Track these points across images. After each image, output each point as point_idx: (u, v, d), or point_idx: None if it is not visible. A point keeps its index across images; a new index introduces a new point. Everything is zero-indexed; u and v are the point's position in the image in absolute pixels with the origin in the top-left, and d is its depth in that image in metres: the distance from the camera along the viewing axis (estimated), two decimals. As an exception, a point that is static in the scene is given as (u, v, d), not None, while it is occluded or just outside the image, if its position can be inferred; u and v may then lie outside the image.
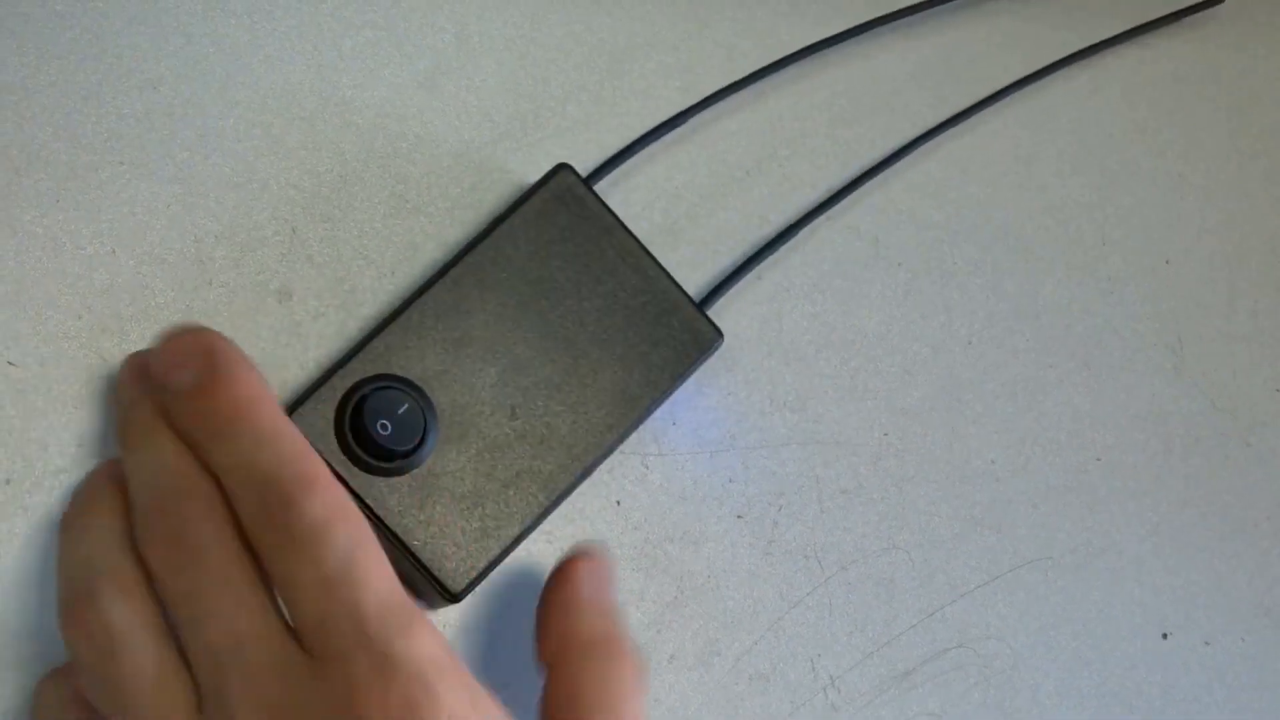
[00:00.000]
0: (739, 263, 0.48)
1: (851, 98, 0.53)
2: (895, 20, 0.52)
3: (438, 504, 0.41)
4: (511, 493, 0.42)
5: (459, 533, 0.41)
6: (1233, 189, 0.58)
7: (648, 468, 0.46)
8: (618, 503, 0.46)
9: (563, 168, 0.44)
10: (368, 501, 0.40)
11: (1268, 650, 0.54)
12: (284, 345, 0.43)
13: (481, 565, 0.41)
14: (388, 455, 0.41)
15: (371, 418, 0.40)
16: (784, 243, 0.49)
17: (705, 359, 0.45)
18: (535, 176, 0.45)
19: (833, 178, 0.51)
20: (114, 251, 0.42)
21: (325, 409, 0.41)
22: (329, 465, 0.39)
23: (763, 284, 0.49)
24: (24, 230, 0.41)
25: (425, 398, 0.41)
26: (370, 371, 0.41)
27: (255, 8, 0.45)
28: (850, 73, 0.53)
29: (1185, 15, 0.57)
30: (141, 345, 0.41)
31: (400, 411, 0.41)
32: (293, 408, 0.41)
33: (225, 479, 0.36)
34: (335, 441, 0.40)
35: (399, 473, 0.41)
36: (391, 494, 0.41)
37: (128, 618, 0.35)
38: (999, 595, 0.50)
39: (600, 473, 0.45)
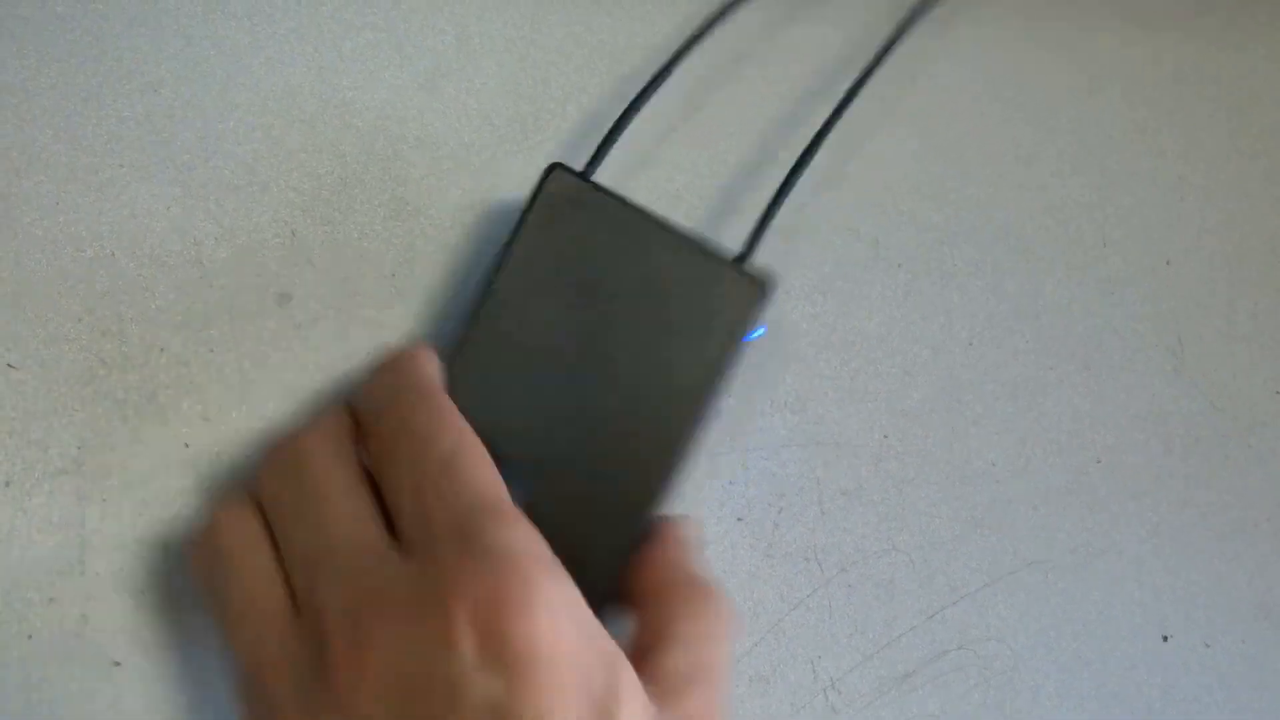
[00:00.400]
0: (766, 205, 0.46)
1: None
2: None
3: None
4: (617, 493, 0.41)
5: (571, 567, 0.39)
6: (1233, 189, 0.58)
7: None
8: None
9: (554, 168, 0.42)
10: None
11: (1268, 652, 0.54)
12: (283, 348, 0.43)
13: (604, 587, 0.40)
14: None
15: None
16: (805, 167, 0.46)
17: (764, 307, 0.42)
18: (535, 177, 0.45)
19: (822, 111, 0.49)
20: (114, 254, 0.42)
21: None
22: None
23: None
24: (24, 232, 0.41)
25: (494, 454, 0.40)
26: None
27: (255, 10, 0.45)
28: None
29: None
30: (141, 348, 0.42)
31: None
32: None
33: (361, 417, 0.39)
34: None
35: None
36: None
37: (241, 532, 0.37)
38: (999, 597, 0.50)
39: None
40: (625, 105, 0.46)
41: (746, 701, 0.46)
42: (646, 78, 0.48)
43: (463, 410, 0.39)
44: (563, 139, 0.48)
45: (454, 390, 0.40)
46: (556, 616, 0.33)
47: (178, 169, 0.43)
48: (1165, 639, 0.52)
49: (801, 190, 0.50)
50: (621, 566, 0.40)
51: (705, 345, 0.42)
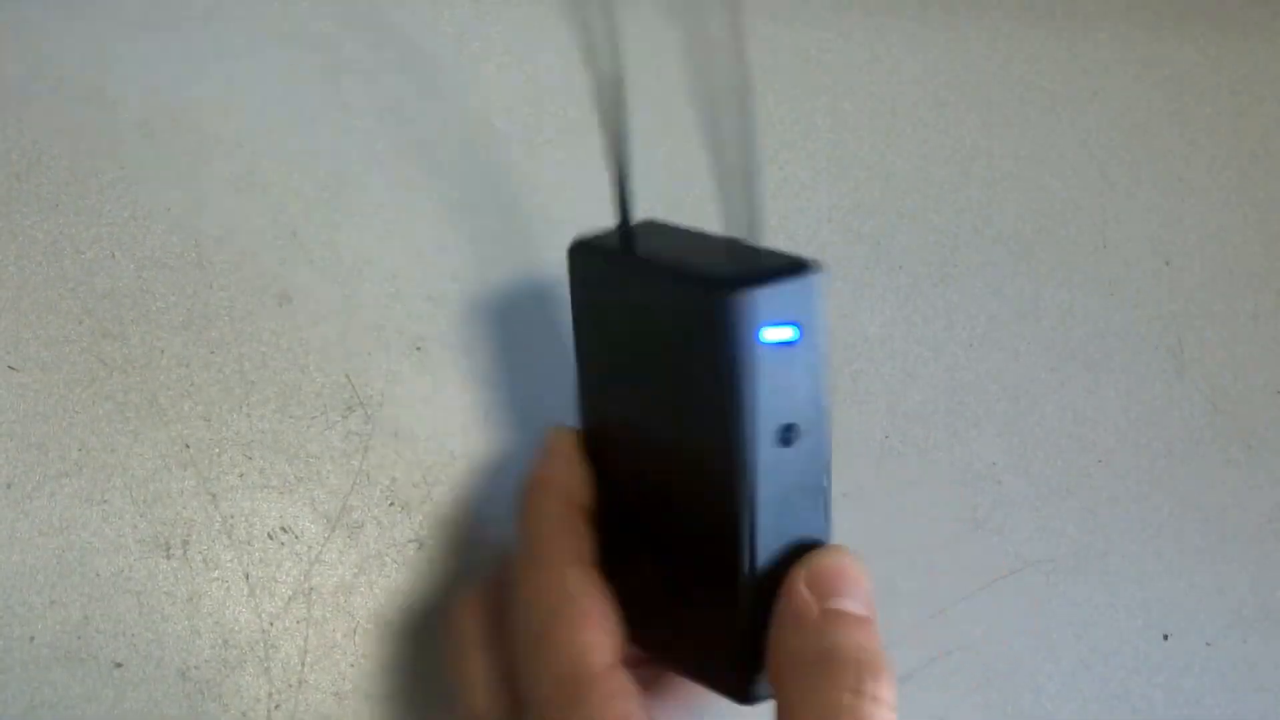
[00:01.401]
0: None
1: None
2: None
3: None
4: (713, 592, 0.37)
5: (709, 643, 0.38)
6: (1233, 190, 0.58)
7: None
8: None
9: (573, 247, 0.39)
10: None
11: (1269, 651, 0.54)
12: (284, 349, 0.43)
13: (747, 654, 0.37)
14: None
15: None
16: None
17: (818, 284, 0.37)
18: (538, 174, 0.45)
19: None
20: (114, 255, 0.42)
21: None
22: None
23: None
24: (25, 235, 0.41)
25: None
26: None
27: (256, 15, 0.45)
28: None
29: None
30: (142, 349, 0.42)
31: None
32: None
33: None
34: None
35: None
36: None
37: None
38: (1001, 597, 0.50)
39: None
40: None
41: (748, 702, 0.46)
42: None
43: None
44: (564, 142, 0.48)
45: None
46: None
47: (177, 171, 0.43)
48: (1166, 638, 0.52)
49: (802, 191, 0.51)
50: (759, 634, 0.37)
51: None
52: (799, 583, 0.36)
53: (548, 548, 0.38)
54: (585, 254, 0.39)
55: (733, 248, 0.37)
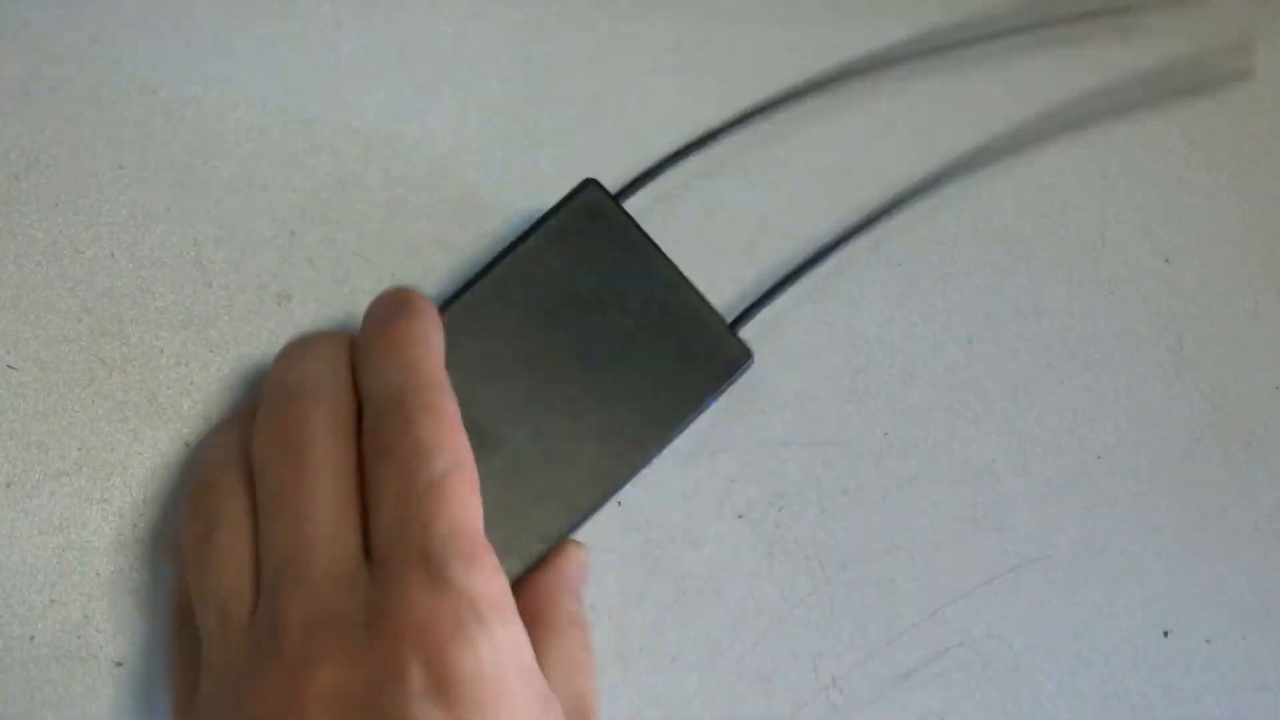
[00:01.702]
0: (771, 285, 0.48)
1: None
2: (940, 52, 0.53)
3: None
4: (536, 512, 0.41)
5: None
6: (1233, 188, 0.58)
7: (649, 468, 0.46)
8: (618, 503, 0.46)
9: (589, 183, 0.43)
10: None
11: (1269, 649, 0.54)
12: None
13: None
14: None
15: None
16: (815, 266, 0.48)
17: (736, 378, 0.44)
18: (534, 178, 0.45)
19: (863, 203, 0.51)
20: (113, 254, 0.42)
21: None
22: None
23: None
24: (24, 234, 0.41)
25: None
26: None
27: (254, 13, 0.45)
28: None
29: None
30: (141, 348, 0.42)
31: None
32: None
33: (363, 395, 0.37)
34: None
35: None
36: None
37: (231, 504, 0.36)
38: (1000, 595, 0.50)
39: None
40: (676, 147, 0.47)
41: (748, 700, 0.46)
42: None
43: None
44: (563, 142, 0.48)
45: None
46: (503, 660, 0.33)
47: (176, 170, 0.43)
48: (1166, 635, 0.52)
49: (800, 188, 0.51)
50: (520, 578, 0.41)
51: (670, 393, 0.43)
52: (562, 560, 0.41)
53: (445, 393, 0.37)
54: (598, 198, 0.43)
55: (697, 290, 0.44)
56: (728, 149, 0.50)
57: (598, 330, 0.43)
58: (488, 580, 0.34)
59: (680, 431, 0.43)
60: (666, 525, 0.46)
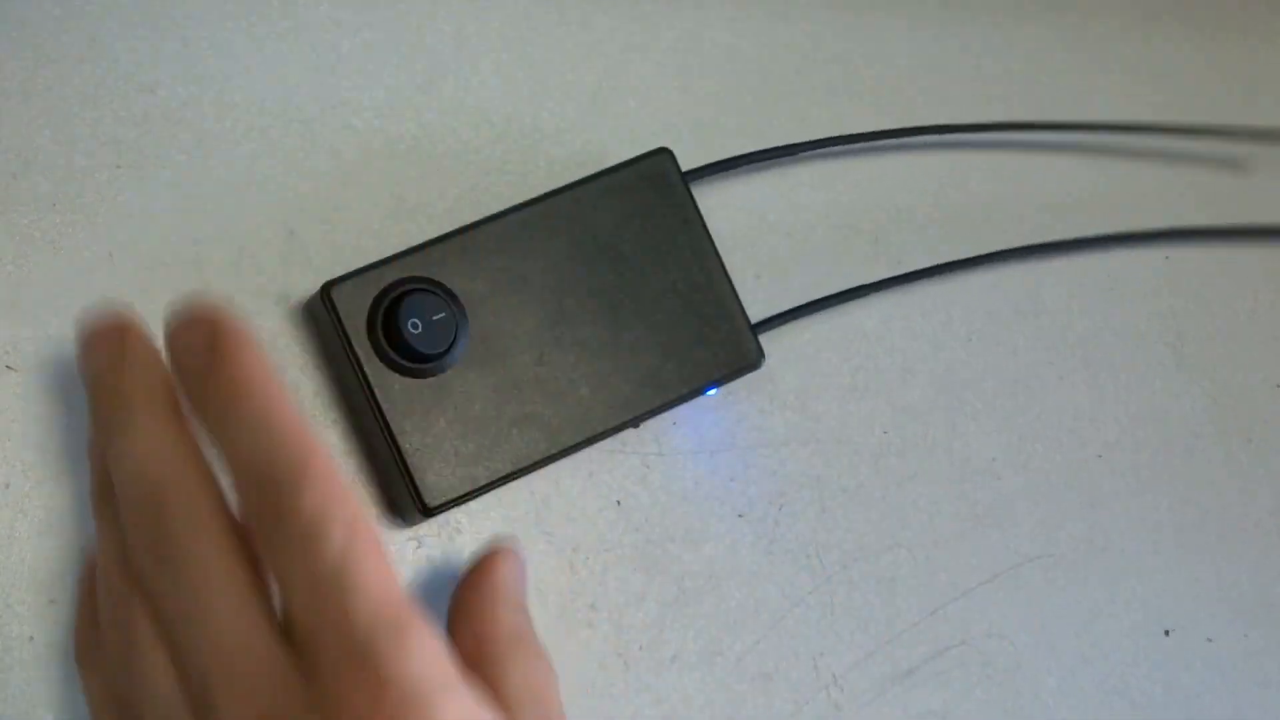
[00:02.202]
0: (803, 302, 0.49)
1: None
2: (1047, 130, 0.54)
3: (442, 417, 0.42)
4: (515, 432, 0.42)
5: (452, 451, 0.42)
6: (1233, 185, 0.58)
7: (648, 468, 0.47)
8: (618, 503, 0.46)
9: (663, 151, 0.45)
10: (375, 391, 0.41)
11: (1269, 646, 0.54)
12: (283, 347, 0.43)
13: (463, 489, 0.42)
14: (411, 355, 0.41)
15: (406, 314, 0.41)
16: (851, 299, 0.49)
17: (742, 374, 0.45)
18: (533, 175, 0.46)
19: (914, 259, 0.51)
20: (111, 255, 0.42)
21: (366, 290, 0.41)
22: (350, 346, 0.41)
23: (760, 282, 0.49)
24: (21, 234, 0.41)
25: (463, 314, 0.42)
26: (419, 272, 0.42)
27: (252, 10, 0.45)
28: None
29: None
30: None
31: (435, 318, 0.41)
32: (339, 280, 0.41)
33: (227, 464, 0.34)
34: (364, 325, 0.41)
35: (416, 375, 0.41)
36: (401, 392, 0.41)
37: (129, 641, 0.34)
38: (1001, 593, 0.50)
39: (601, 473, 0.46)
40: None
41: (749, 699, 0.47)
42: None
43: (445, 278, 0.42)
44: (562, 139, 0.48)
45: (445, 254, 0.42)
46: None
47: (175, 170, 0.43)
48: (1167, 634, 0.53)
49: (798, 188, 0.51)
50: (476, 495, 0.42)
51: (676, 365, 0.44)
52: (496, 576, 0.40)
53: (313, 452, 0.34)
54: (667, 166, 0.45)
55: (731, 282, 0.45)
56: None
57: (627, 287, 0.44)
58: (423, 653, 0.32)
59: (672, 405, 0.44)
60: (666, 524, 0.47)
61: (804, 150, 0.49)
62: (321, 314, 0.42)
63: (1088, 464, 0.53)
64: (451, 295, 0.42)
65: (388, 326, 0.41)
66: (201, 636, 0.33)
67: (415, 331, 0.41)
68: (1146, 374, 0.55)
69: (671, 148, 0.45)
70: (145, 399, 0.35)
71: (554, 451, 0.43)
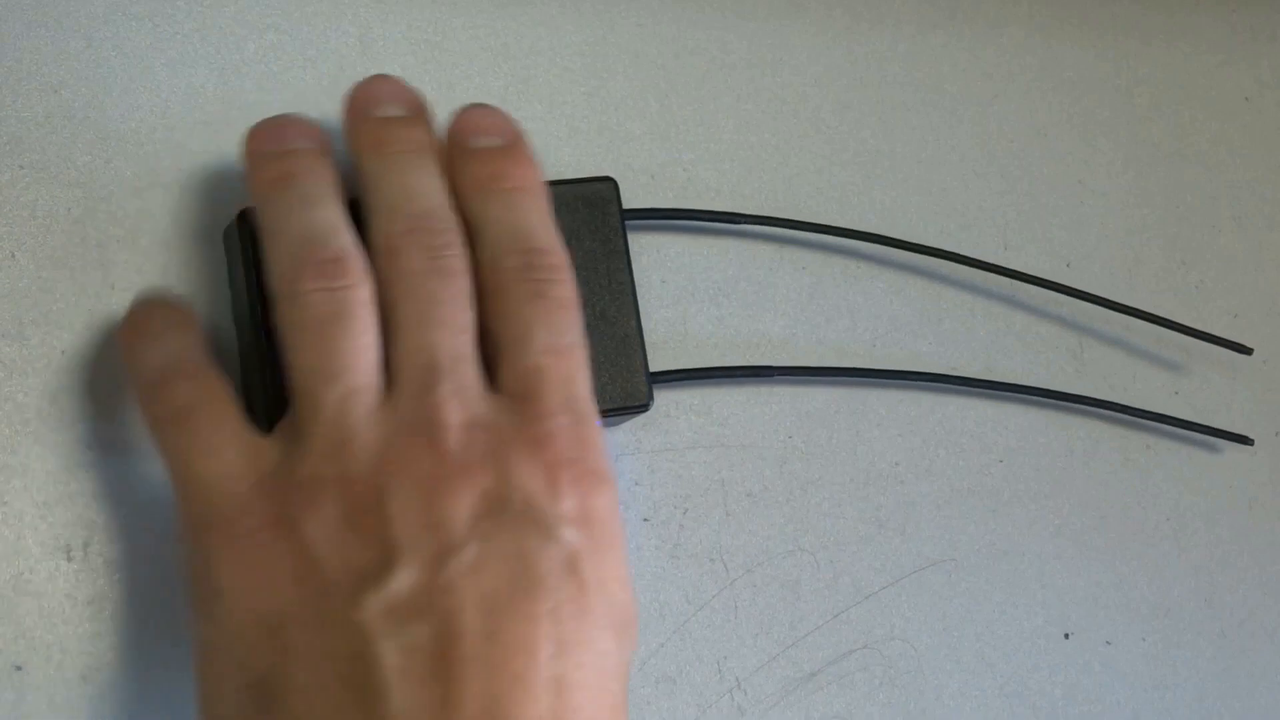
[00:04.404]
0: (707, 367, 0.50)
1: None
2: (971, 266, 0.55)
3: None
4: None
5: None
6: (1131, 194, 0.60)
7: None
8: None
9: (609, 180, 0.46)
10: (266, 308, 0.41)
11: (1168, 650, 0.56)
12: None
13: None
14: None
15: None
16: (751, 379, 0.51)
17: (629, 415, 0.47)
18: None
19: (831, 357, 0.53)
20: (14, 255, 0.43)
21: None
22: (257, 268, 0.42)
23: (666, 286, 0.51)
24: (-77, 234, 0.42)
25: None
26: None
27: (157, 11, 0.45)
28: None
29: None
30: (43, 350, 0.42)
31: None
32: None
33: (488, 227, 0.41)
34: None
35: None
36: None
37: (367, 290, 0.39)
38: (903, 597, 0.52)
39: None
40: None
41: (652, 702, 0.48)
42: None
43: None
44: None
45: None
46: (618, 513, 0.39)
47: (79, 170, 0.44)
48: (1067, 637, 0.54)
49: (705, 192, 0.52)
50: None
51: None
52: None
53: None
54: (606, 195, 0.47)
55: (639, 326, 0.47)
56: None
57: None
58: (605, 446, 0.39)
59: None
60: None
61: (749, 222, 0.51)
62: (234, 239, 0.43)
63: (989, 469, 0.54)
64: None
65: None
66: (443, 336, 0.39)
67: None
68: (1047, 379, 0.56)
69: (575, 153, 0.46)
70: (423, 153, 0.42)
71: None
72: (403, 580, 0.35)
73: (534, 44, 0.51)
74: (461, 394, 0.38)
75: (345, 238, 0.39)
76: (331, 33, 0.48)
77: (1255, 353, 0.59)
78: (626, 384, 0.46)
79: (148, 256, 0.44)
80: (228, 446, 0.38)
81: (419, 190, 0.41)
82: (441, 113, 0.44)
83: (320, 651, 0.35)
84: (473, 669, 0.35)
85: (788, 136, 0.54)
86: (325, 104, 0.47)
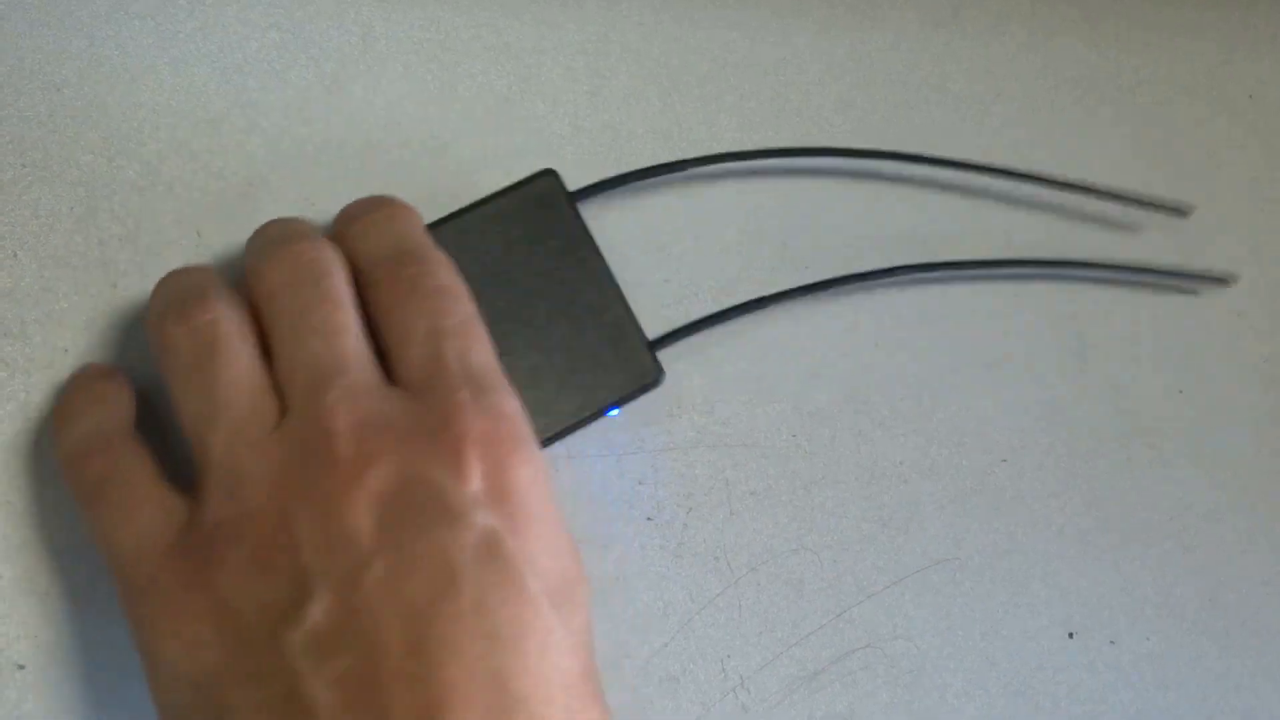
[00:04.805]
0: (699, 318, 0.50)
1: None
2: (925, 164, 0.55)
3: None
4: None
5: None
6: (1134, 189, 0.60)
7: (556, 471, 0.48)
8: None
9: (548, 172, 0.46)
10: None
11: (1172, 649, 0.56)
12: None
13: None
14: None
15: None
16: (747, 313, 0.51)
17: (642, 394, 0.46)
18: (443, 180, 0.47)
19: (813, 271, 0.53)
20: (16, 255, 0.43)
21: None
22: None
23: (669, 285, 0.51)
24: (-75, 233, 0.42)
25: None
26: None
27: (159, 10, 0.45)
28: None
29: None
30: (45, 350, 0.42)
31: None
32: None
33: (360, 242, 0.41)
34: None
35: None
36: None
37: (233, 322, 0.38)
38: (906, 596, 0.52)
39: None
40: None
41: (656, 701, 0.48)
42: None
43: None
44: (470, 143, 0.49)
45: None
46: (543, 481, 0.38)
47: (81, 169, 0.44)
48: (1070, 637, 0.54)
49: (706, 192, 0.52)
50: None
51: (574, 390, 0.45)
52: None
53: (444, 257, 0.42)
54: (553, 188, 0.46)
55: (626, 301, 0.46)
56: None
57: (518, 315, 0.45)
58: (519, 410, 0.38)
59: (573, 430, 0.45)
60: (574, 527, 0.47)
61: (695, 166, 0.50)
62: None
63: (992, 468, 0.54)
64: None
65: None
66: (321, 345, 0.38)
67: None
68: (1050, 379, 0.56)
69: (579, 151, 0.46)
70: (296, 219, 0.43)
71: None
72: (318, 610, 0.34)
73: (536, 43, 0.51)
74: (350, 396, 0.37)
75: (207, 283, 0.40)
76: (334, 31, 0.48)
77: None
78: (632, 365, 0.46)
79: (149, 255, 0.44)
80: (142, 511, 0.38)
81: (284, 227, 0.41)
82: (441, 115, 0.44)
83: (255, 704, 0.35)
84: (401, 687, 0.34)
85: (790, 136, 0.54)
86: (327, 102, 0.47)
